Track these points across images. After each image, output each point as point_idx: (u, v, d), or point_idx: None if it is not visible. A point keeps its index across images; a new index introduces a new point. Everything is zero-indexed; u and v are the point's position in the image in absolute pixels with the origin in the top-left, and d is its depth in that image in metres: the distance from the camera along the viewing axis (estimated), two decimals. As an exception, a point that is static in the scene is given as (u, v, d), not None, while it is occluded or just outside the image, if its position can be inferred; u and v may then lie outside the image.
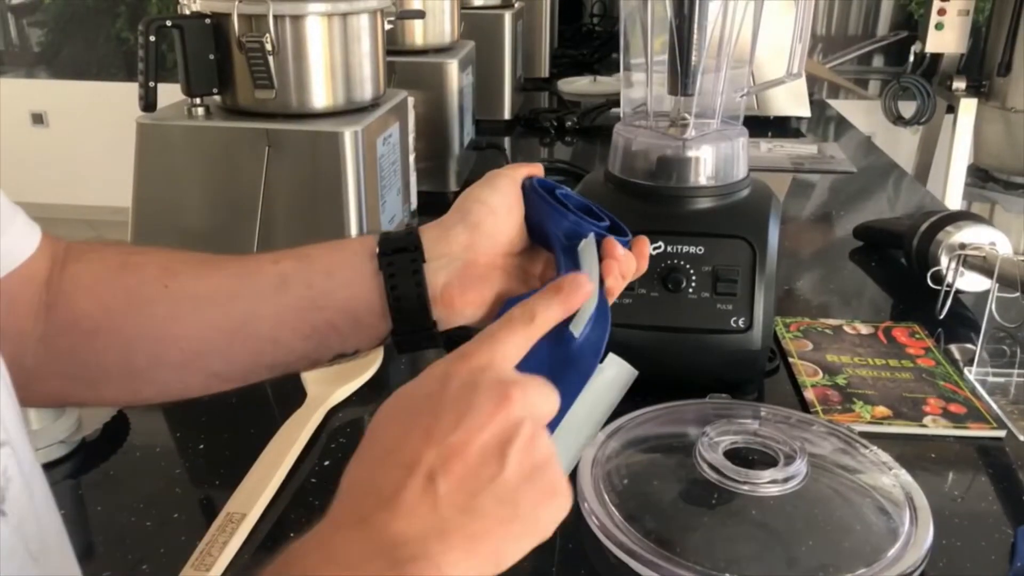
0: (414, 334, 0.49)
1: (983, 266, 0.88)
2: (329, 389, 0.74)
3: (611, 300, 0.48)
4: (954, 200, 2.50)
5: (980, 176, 2.61)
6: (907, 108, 2.72)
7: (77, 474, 0.67)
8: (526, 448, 0.35)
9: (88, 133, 3.78)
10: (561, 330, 0.44)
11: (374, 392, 0.78)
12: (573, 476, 0.62)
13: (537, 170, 0.54)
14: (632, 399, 0.70)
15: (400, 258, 0.48)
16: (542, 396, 0.37)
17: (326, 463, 0.68)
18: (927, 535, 0.56)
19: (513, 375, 0.37)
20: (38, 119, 3.88)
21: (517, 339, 0.39)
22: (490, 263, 0.50)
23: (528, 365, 0.41)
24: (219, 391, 0.52)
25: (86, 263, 0.50)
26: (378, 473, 0.36)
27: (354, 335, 0.49)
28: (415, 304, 0.48)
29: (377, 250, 0.49)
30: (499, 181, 0.52)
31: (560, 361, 0.45)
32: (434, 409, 0.36)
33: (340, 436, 0.72)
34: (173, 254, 0.51)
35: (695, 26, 0.76)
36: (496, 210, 0.50)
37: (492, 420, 0.35)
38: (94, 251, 0.51)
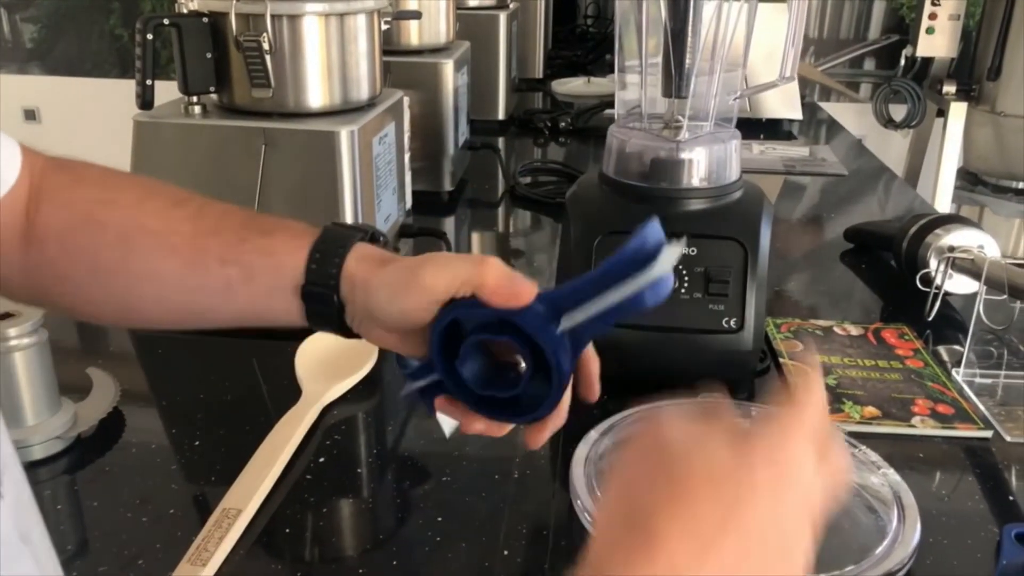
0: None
1: (971, 269, 0.89)
2: (324, 387, 0.75)
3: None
4: (944, 203, 2.52)
5: (970, 179, 2.62)
6: (898, 111, 2.74)
7: (73, 470, 0.67)
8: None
9: (81, 129, 3.77)
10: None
11: (369, 390, 0.78)
12: (565, 475, 0.63)
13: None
14: (624, 398, 0.71)
15: (320, 307, 0.51)
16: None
17: (321, 460, 0.68)
18: (914, 533, 0.57)
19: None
20: (31, 115, 3.86)
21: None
22: (386, 335, 0.51)
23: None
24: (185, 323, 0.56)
25: (56, 207, 0.52)
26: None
27: (294, 326, 0.53)
28: (336, 330, 0.52)
29: (302, 290, 0.50)
30: (416, 298, 0.47)
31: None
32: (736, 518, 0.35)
33: (335, 433, 0.72)
34: (134, 211, 0.52)
35: (689, 29, 0.77)
36: (408, 323, 0.49)
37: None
38: (65, 189, 0.52)
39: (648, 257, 0.42)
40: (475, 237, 1.29)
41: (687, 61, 0.77)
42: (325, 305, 0.50)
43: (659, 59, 0.79)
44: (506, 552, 0.59)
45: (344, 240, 0.51)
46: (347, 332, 0.52)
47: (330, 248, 0.50)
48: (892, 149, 2.82)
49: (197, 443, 0.70)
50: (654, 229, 0.42)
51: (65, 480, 0.66)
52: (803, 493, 0.37)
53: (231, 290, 0.52)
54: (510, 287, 0.46)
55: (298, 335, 0.79)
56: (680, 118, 0.78)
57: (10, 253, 0.51)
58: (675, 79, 0.78)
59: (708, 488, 0.35)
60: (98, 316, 0.57)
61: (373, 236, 0.53)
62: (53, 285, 0.53)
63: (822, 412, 0.39)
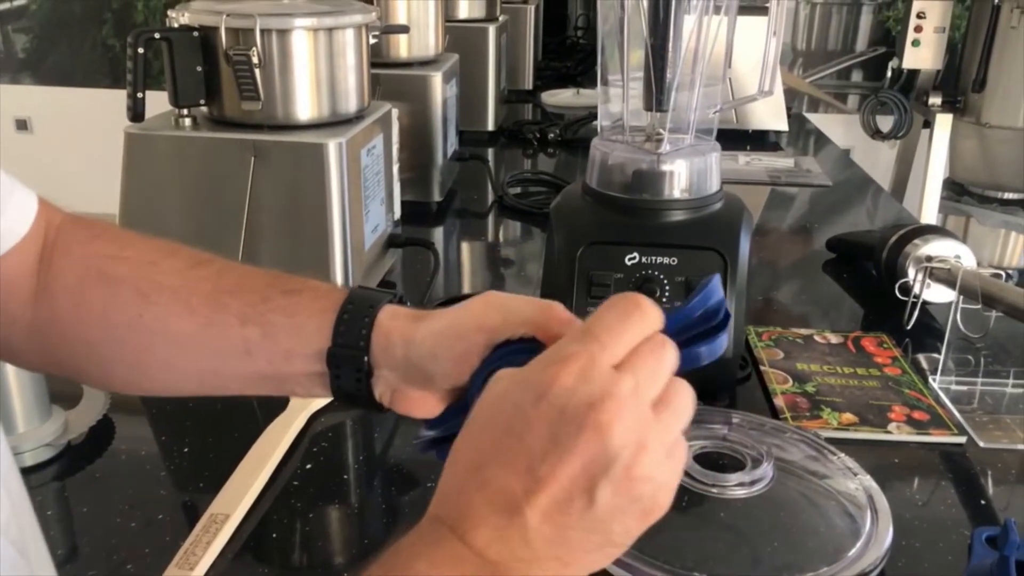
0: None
1: (948, 278, 0.91)
2: (312, 394, 0.76)
3: None
4: (930, 214, 2.55)
5: (955, 190, 2.65)
6: (885, 122, 2.77)
7: (63, 476, 0.68)
8: (619, 481, 0.34)
9: (73, 139, 3.77)
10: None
11: (356, 398, 0.79)
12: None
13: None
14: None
15: (345, 371, 0.48)
16: (643, 415, 0.35)
17: (308, 466, 0.69)
18: (887, 536, 0.59)
19: (613, 390, 0.34)
20: (22, 125, 3.87)
21: (627, 335, 0.36)
22: (423, 396, 0.48)
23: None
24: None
25: (70, 260, 0.50)
26: (468, 491, 0.36)
27: (313, 396, 0.51)
28: (360, 404, 0.49)
29: (328, 354, 0.48)
30: (467, 343, 0.45)
31: None
32: (522, 429, 0.34)
33: (322, 440, 0.73)
34: (149, 270, 0.51)
35: (670, 44, 0.79)
36: (451, 379, 0.46)
37: (580, 454, 0.33)
38: (80, 245, 0.51)
39: (708, 315, 0.41)
40: (464, 247, 1.30)
41: (668, 75, 0.79)
42: (353, 369, 0.47)
43: (641, 73, 0.81)
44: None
45: (374, 300, 0.48)
46: (372, 404, 0.48)
47: (359, 308, 0.48)
48: (879, 160, 2.85)
49: (186, 450, 0.71)
50: (716, 288, 0.42)
51: (55, 487, 0.67)
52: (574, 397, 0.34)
53: (249, 353, 0.49)
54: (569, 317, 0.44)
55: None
56: (661, 131, 0.80)
57: (17, 309, 0.49)
58: (656, 93, 0.79)
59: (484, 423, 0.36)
60: (107, 379, 0.55)
61: (401, 299, 0.50)
62: (61, 344, 0.50)
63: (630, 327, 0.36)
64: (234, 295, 0.50)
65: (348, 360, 0.47)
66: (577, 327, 0.39)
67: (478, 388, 0.43)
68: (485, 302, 0.45)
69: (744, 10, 0.87)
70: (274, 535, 0.62)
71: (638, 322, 0.37)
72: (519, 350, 0.43)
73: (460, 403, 0.47)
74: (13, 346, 0.50)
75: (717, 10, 0.77)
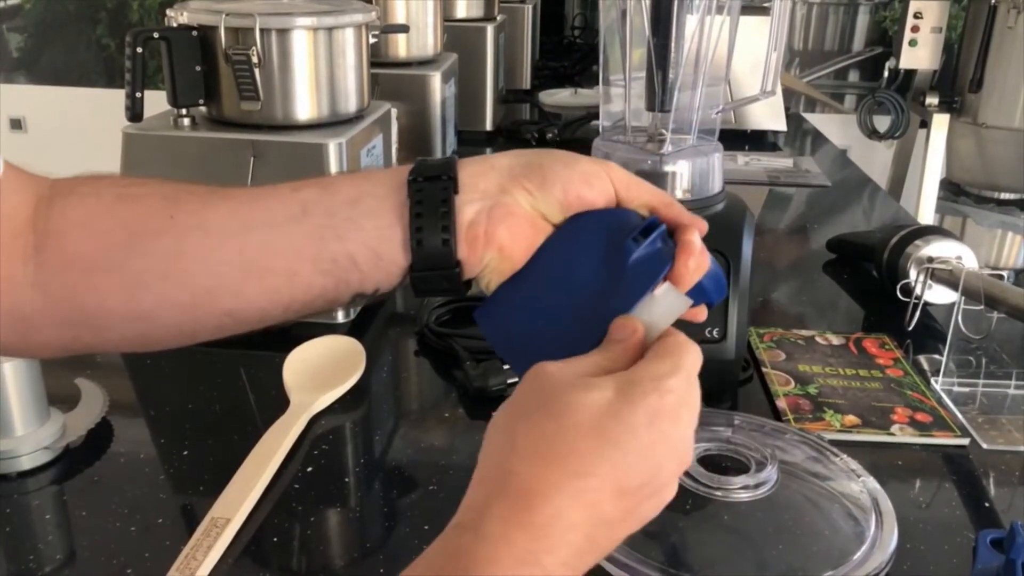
0: (433, 272, 0.44)
1: (950, 279, 0.91)
2: (312, 397, 0.75)
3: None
4: (927, 213, 2.55)
5: (952, 190, 2.65)
6: (882, 122, 2.77)
7: (61, 480, 0.67)
8: (659, 506, 0.39)
9: (67, 139, 3.76)
10: (621, 241, 0.43)
11: (356, 400, 0.79)
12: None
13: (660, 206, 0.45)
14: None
15: (430, 186, 0.43)
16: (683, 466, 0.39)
17: (309, 469, 0.69)
18: (892, 539, 0.58)
19: (692, 433, 0.40)
20: (17, 124, 3.85)
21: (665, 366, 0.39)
22: (524, 217, 0.44)
23: (577, 264, 0.43)
24: (232, 334, 0.47)
25: (77, 197, 0.45)
26: (561, 492, 0.36)
27: (374, 271, 0.44)
28: (438, 238, 0.43)
29: (409, 176, 0.44)
30: (601, 179, 0.44)
31: (611, 271, 0.43)
32: (631, 447, 0.37)
33: (322, 443, 0.73)
34: (175, 184, 0.46)
35: (672, 43, 0.78)
36: (570, 198, 0.44)
37: (669, 489, 0.38)
38: (84, 184, 0.46)
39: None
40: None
41: (670, 75, 0.79)
42: (439, 189, 0.42)
43: (643, 73, 0.80)
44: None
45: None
46: (452, 259, 0.43)
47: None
48: (876, 160, 2.85)
49: (185, 453, 0.71)
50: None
51: (53, 490, 0.67)
52: (681, 439, 0.38)
53: (304, 211, 0.43)
54: (697, 219, 0.46)
55: (286, 345, 0.80)
56: (663, 131, 0.80)
57: (13, 269, 0.44)
58: (658, 93, 0.79)
59: (586, 429, 0.36)
60: (135, 308, 0.45)
61: None
62: (77, 290, 0.44)
63: (699, 355, 0.41)
64: (282, 183, 0.45)
65: (436, 173, 0.43)
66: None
67: (569, 231, 0.44)
68: (613, 174, 0.45)
69: (743, 10, 0.86)
70: (275, 539, 0.61)
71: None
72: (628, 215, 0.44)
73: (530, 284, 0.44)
74: (23, 312, 0.44)
75: (720, 10, 0.76)
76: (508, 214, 0.43)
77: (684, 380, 0.39)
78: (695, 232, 0.44)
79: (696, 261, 0.43)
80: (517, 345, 0.45)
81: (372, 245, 0.43)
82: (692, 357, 0.40)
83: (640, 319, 0.42)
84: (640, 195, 0.45)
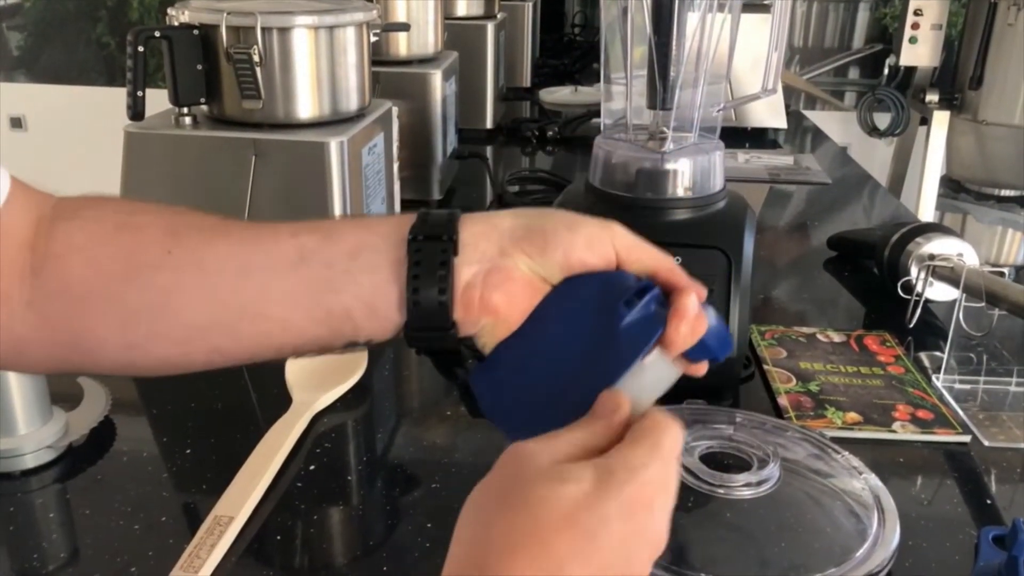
0: (428, 332, 0.44)
1: (951, 276, 0.91)
2: (314, 395, 0.76)
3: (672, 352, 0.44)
4: (927, 211, 2.55)
5: (952, 187, 2.65)
6: (882, 120, 2.77)
7: (64, 479, 0.67)
8: None
9: (67, 138, 3.76)
10: (613, 305, 0.42)
11: (358, 398, 0.79)
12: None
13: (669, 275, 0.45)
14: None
15: (430, 246, 0.43)
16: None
17: (311, 467, 0.69)
18: (894, 536, 0.58)
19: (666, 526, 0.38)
20: (17, 123, 3.85)
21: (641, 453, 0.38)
22: (523, 281, 0.44)
23: (570, 328, 0.42)
24: (222, 367, 0.47)
25: (79, 221, 0.45)
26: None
27: (368, 324, 0.44)
28: (434, 300, 0.43)
29: (409, 233, 0.43)
30: (603, 243, 0.44)
31: (602, 335, 0.42)
32: (606, 541, 0.35)
33: (325, 441, 0.73)
34: (177, 215, 0.46)
35: (673, 41, 0.78)
36: (570, 261, 0.43)
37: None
38: (87, 208, 0.46)
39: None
40: (463, 245, 1.30)
41: (671, 73, 0.79)
42: (439, 250, 0.42)
43: (644, 71, 0.80)
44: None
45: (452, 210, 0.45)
46: (447, 315, 0.43)
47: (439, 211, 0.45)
48: (876, 157, 2.85)
49: (188, 451, 0.71)
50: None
51: (56, 489, 0.67)
52: (655, 527, 0.37)
53: (302, 260, 0.43)
54: (697, 284, 0.45)
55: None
56: (665, 129, 0.80)
57: (9, 288, 0.43)
58: (659, 91, 0.79)
59: (561, 524, 0.35)
60: (128, 338, 0.45)
61: None
62: (74, 313, 0.44)
63: (679, 436, 0.39)
64: (283, 223, 0.45)
65: (436, 232, 0.42)
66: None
67: (564, 292, 0.43)
68: (614, 236, 0.44)
69: (744, 7, 0.87)
70: (278, 537, 0.62)
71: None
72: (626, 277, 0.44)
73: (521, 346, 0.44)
74: (14, 330, 0.44)
75: (721, 8, 0.76)
76: (506, 279, 0.43)
77: (661, 467, 0.37)
78: (692, 296, 0.43)
79: (689, 326, 0.42)
80: (509, 408, 0.45)
81: (368, 300, 0.43)
82: (670, 439, 0.38)
83: (627, 391, 0.41)
84: (641, 259, 0.44)
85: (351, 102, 0.92)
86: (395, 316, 0.44)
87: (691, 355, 0.44)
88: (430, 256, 0.42)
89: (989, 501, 0.68)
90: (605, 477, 0.36)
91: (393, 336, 0.45)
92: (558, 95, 2.08)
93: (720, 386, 0.80)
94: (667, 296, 0.43)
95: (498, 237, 0.43)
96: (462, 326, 0.44)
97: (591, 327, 0.43)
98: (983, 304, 0.83)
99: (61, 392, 0.72)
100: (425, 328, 0.44)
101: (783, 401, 0.78)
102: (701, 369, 0.45)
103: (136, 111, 0.85)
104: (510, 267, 0.43)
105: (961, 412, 0.78)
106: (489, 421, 0.45)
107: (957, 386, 0.82)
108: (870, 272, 1.10)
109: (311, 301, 0.44)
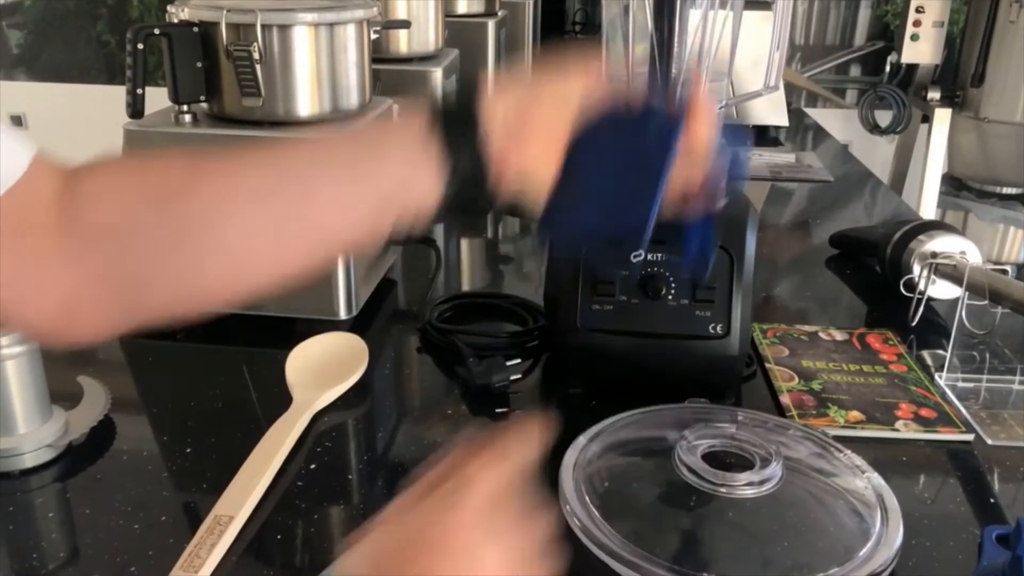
0: (467, 192, 0.47)
1: (953, 275, 0.91)
2: (314, 394, 0.75)
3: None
4: (929, 208, 2.54)
5: (954, 185, 2.65)
6: (883, 117, 2.77)
7: (64, 478, 0.67)
8: None
9: (68, 136, 3.75)
10: (633, 117, 0.47)
11: (359, 397, 0.79)
12: (554, 481, 0.64)
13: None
14: (613, 404, 0.72)
15: (456, 137, 0.46)
16: None
17: (312, 466, 0.69)
18: (897, 535, 0.58)
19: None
20: (17, 121, 3.84)
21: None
22: (547, 129, 0.48)
23: (607, 151, 0.46)
24: (273, 289, 0.49)
25: (102, 174, 0.46)
26: None
27: (412, 196, 0.47)
28: (468, 162, 0.46)
29: (431, 112, 0.47)
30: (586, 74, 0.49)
31: (636, 145, 0.47)
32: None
33: (326, 440, 0.73)
34: (197, 153, 0.48)
35: (675, 38, 0.78)
36: (575, 110, 0.48)
37: None
38: (106, 164, 0.47)
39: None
40: (464, 244, 1.30)
41: (673, 71, 0.78)
42: (467, 94, 0.46)
43: (646, 68, 0.80)
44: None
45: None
46: (483, 160, 0.46)
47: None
48: (878, 155, 2.85)
49: (188, 450, 0.71)
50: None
51: (56, 488, 0.66)
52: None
53: (339, 165, 0.46)
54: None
55: (288, 342, 0.80)
56: (666, 127, 0.79)
57: (44, 242, 0.44)
58: (661, 88, 0.79)
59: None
60: (173, 264, 0.46)
61: None
62: (114, 248, 0.45)
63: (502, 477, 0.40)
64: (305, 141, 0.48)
65: (460, 119, 0.46)
66: None
67: (586, 125, 0.47)
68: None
69: (746, 5, 0.86)
70: (278, 536, 0.61)
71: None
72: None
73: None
74: (62, 285, 0.44)
75: (723, 5, 0.76)
76: (531, 133, 0.47)
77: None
78: (700, 96, 0.48)
79: (706, 115, 0.47)
80: (578, 240, 0.51)
81: (409, 172, 0.46)
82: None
83: None
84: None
85: (351, 100, 0.92)
86: (435, 185, 0.46)
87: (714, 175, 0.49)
88: (460, 143, 0.46)
89: (992, 500, 0.68)
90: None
91: (432, 221, 0.48)
92: (559, 93, 2.07)
93: (722, 385, 0.79)
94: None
95: (512, 101, 0.47)
96: (498, 189, 0.47)
97: (623, 140, 0.47)
98: (986, 302, 0.83)
99: (61, 391, 0.72)
100: (465, 192, 0.47)
101: (785, 400, 0.78)
102: (719, 200, 0.50)
103: (136, 109, 0.84)
104: (532, 121, 0.47)
105: (964, 411, 0.77)
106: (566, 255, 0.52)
107: (960, 384, 0.82)
108: (872, 270, 1.10)
109: (350, 201, 0.46)
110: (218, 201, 0.45)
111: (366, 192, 0.47)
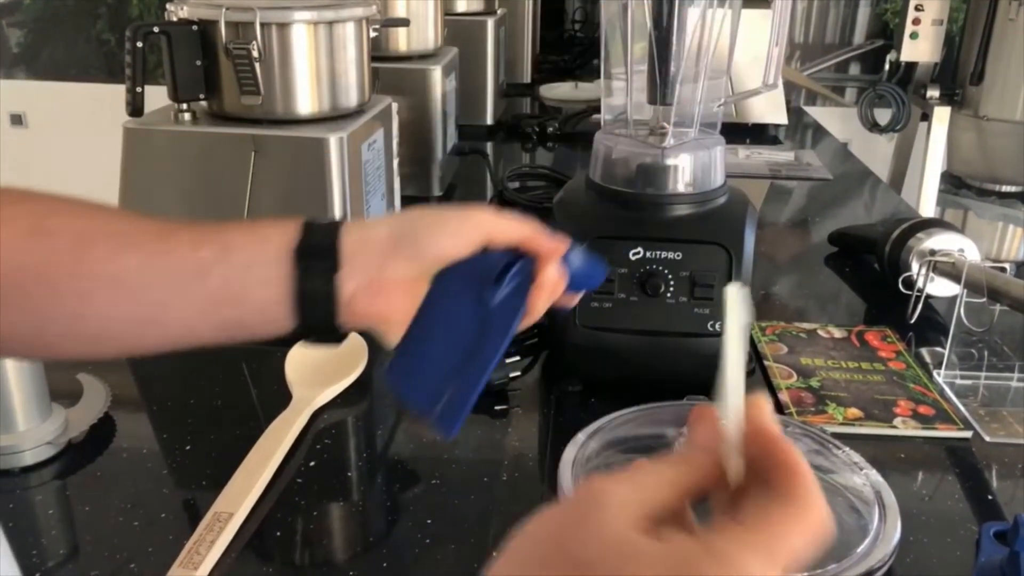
0: (317, 333, 0.49)
1: (952, 272, 0.91)
2: (314, 391, 0.75)
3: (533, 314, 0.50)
4: (928, 206, 2.54)
5: (953, 183, 2.65)
6: (883, 115, 2.76)
7: (64, 475, 0.67)
8: None
9: (68, 134, 3.76)
10: (481, 289, 0.48)
11: (358, 394, 0.79)
12: (554, 477, 0.64)
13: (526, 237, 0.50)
14: (612, 401, 0.72)
15: (314, 264, 0.47)
16: None
17: (311, 464, 0.69)
18: (895, 532, 0.58)
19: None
20: (17, 120, 3.85)
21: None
22: (402, 284, 0.49)
23: (452, 315, 0.48)
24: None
25: None
26: None
27: (262, 329, 0.49)
28: (322, 311, 0.47)
29: (295, 250, 0.47)
30: (468, 231, 0.49)
31: (478, 316, 0.48)
32: None
33: (325, 437, 0.73)
34: (90, 220, 0.48)
35: (674, 36, 0.78)
36: (442, 257, 0.48)
37: None
38: (7, 206, 0.47)
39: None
40: (464, 242, 1.30)
41: (672, 68, 0.78)
42: (324, 259, 0.46)
43: (644, 66, 0.80)
44: (495, 554, 0.60)
45: (333, 220, 0.49)
46: (333, 322, 0.47)
47: (322, 222, 0.49)
48: (877, 153, 2.85)
49: (188, 448, 0.71)
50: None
51: (56, 485, 0.67)
52: None
53: (203, 274, 0.46)
54: (557, 243, 0.50)
55: (288, 339, 0.80)
56: (665, 124, 0.79)
57: None
58: (660, 86, 0.79)
59: None
60: (40, 339, 0.47)
61: None
62: None
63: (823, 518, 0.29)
64: (185, 228, 0.48)
65: (320, 251, 0.47)
66: None
67: (441, 285, 0.49)
68: (478, 222, 0.49)
69: (745, 3, 0.86)
70: (278, 533, 0.61)
71: None
72: (494, 257, 0.49)
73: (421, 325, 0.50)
74: None
75: (721, 3, 0.76)
76: (384, 287, 0.48)
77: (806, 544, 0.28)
78: (549, 266, 0.49)
79: (548, 293, 0.49)
80: (419, 392, 0.50)
81: (261, 311, 0.47)
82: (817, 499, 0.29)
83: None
84: (506, 235, 0.49)
85: (351, 98, 0.92)
86: (287, 323, 0.48)
87: (568, 291, 0.51)
88: (315, 274, 0.47)
89: (990, 497, 0.68)
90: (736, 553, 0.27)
91: (281, 335, 0.49)
92: (558, 91, 2.08)
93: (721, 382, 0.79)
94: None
95: (375, 248, 0.48)
96: (351, 325, 0.49)
97: (468, 311, 0.49)
98: (984, 300, 0.83)
99: (61, 389, 0.72)
100: (315, 333, 0.49)
101: (784, 397, 0.78)
102: (573, 300, 0.53)
103: (135, 107, 0.85)
104: (388, 276, 0.48)
105: (962, 408, 0.77)
106: (404, 406, 0.51)
107: (958, 382, 0.82)
108: (871, 268, 1.10)
109: (211, 312, 0.47)
110: (92, 292, 0.46)
111: (226, 315, 0.47)
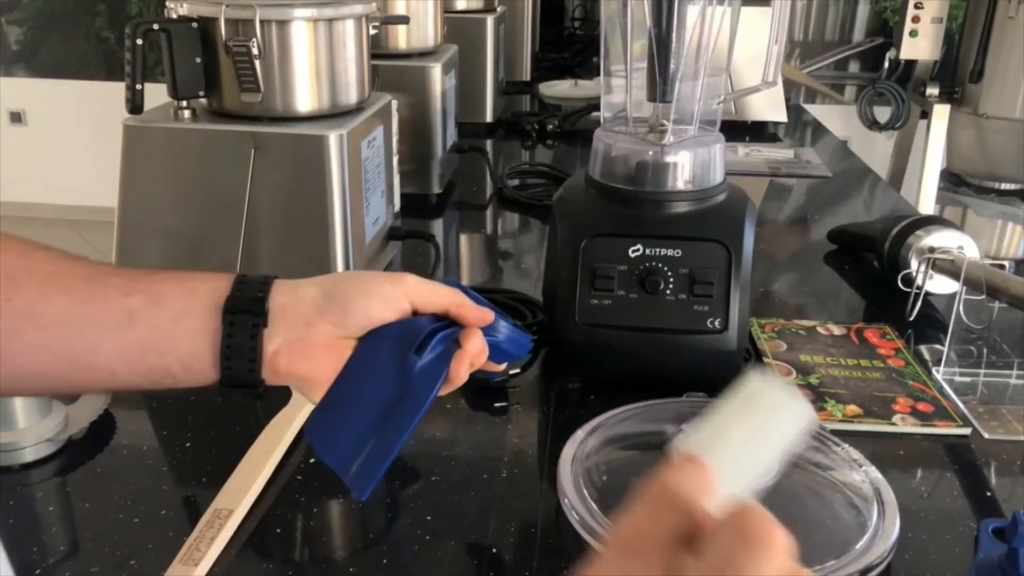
0: (241, 389, 0.50)
1: (951, 269, 0.91)
2: (314, 388, 0.75)
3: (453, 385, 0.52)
4: (927, 204, 2.55)
5: (953, 181, 2.65)
6: (882, 113, 2.77)
7: (64, 472, 0.67)
8: None
9: (67, 132, 3.76)
10: (404, 355, 0.50)
11: (358, 391, 0.79)
12: (553, 474, 0.64)
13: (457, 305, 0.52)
14: (611, 398, 0.72)
15: (243, 319, 0.48)
16: None
17: (311, 460, 0.69)
18: (894, 529, 0.58)
19: None
20: (16, 118, 3.85)
21: None
22: (326, 345, 0.50)
23: (375, 377, 0.49)
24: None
25: None
26: None
27: (186, 379, 0.49)
28: (244, 368, 0.49)
29: (223, 304, 0.49)
30: (396, 298, 0.51)
31: (400, 380, 0.50)
32: None
33: (325, 434, 0.73)
34: (19, 259, 0.48)
35: (673, 34, 0.78)
36: (368, 322, 0.50)
37: None
38: None
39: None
40: (463, 239, 1.30)
41: (671, 65, 0.78)
42: (251, 316, 0.47)
43: (644, 63, 0.80)
44: (495, 550, 0.60)
45: (265, 276, 0.50)
46: (256, 376, 0.48)
47: (257, 277, 0.50)
48: (876, 151, 2.85)
49: (188, 444, 0.71)
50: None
51: (56, 482, 0.67)
52: None
53: (132, 321, 0.47)
54: (482, 313, 0.52)
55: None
56: (665, 122, 0.80)
57: None
58: (659, 83, 0.79)
59: None
60: None
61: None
62: None
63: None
64: (117, 274, 0.48)
65: (247, 304, 0.48)
66: None
67: (367, 347, 0.50)
68: (407, 290, 0.51)
69: (744, 0, 0.86)
70: (278, 530, 0.62)
71: None
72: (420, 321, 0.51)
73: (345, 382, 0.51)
74: None
75: (721, 0, 0.76)
76: (309, 347, 0.49)
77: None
78: (473, 335, 0.51)
79: (469, 362, 0.51)
80: (337, 449, 0.51)
81: (186, 362, 0.48)
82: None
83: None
84: (435, 302, 0.52)
85: (350, 95, 0.92)
86: (211, 374, 0.49)
87: (491, 360, 0.53)
88: (242, 329, 0.48)
89: (989, 493, 0.68)
90: None
91: (207, 385, 0.50)
92: (558, 89, 2.08)
93: (720, 379, 0.79)
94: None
95: (303, 309, 0.49)
96: (272, 381, 0.50)
97: (391, 374, 0.50)
98: (983, 297, 0.83)
99: (61, 386, 0.72)
100: (237, 387, 0.49)
101: (783, 394, 0.78)
102: (498, 368, 0.56)
103: (135, 104, 0.84)
104: (313, 336, 0.49)
105: (961, 405, 0.78)
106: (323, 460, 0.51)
107: (957, 379, 0.82)
108: (870, 265, 1.10)
109: (136, 359, 0.48)
110: (18, 332, 0.46)
111: (152, 363, 0.48)
